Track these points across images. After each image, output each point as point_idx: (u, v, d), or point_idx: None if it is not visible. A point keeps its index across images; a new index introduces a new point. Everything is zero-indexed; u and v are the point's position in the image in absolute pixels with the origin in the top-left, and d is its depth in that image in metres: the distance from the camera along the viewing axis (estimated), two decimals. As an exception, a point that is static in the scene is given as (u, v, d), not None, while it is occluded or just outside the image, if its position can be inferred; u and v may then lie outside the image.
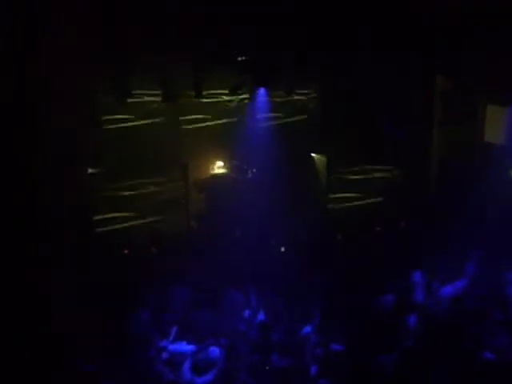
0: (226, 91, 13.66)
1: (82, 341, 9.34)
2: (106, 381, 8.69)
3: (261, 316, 10.31)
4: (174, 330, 9.65)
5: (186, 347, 9.28)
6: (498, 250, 11.70)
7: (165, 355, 9.29)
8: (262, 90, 13.61)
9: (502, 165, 13.59)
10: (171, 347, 9.41)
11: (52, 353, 9.11)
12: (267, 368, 8.16)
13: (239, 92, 13.67)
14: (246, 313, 10.34)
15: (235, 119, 13.98)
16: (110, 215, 13.04)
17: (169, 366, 8.97)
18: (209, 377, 8.64)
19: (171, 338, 9.56)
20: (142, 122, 13.17)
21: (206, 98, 13.53)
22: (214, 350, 9.12)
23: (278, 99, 14.22)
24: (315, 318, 10.14)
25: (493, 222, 12.23)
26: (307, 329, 9.97)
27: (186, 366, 8.76)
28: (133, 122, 13.07)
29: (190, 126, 13.63)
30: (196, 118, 13.71)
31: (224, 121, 13.95)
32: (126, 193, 13.29)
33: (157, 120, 13.32)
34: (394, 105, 13.74)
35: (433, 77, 14.34)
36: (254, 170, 14.05)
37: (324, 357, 9.34)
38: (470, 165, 13.90)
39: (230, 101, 13.95)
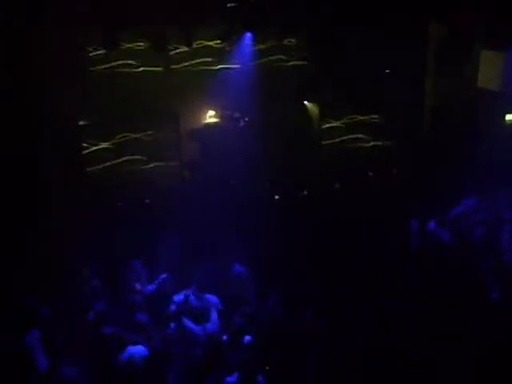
0: (216, 39, 13.52)
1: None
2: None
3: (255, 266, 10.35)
4: (163, 277, 9.68)
5: (182, 296, 9.31)
6: (491, 197, 11.80)
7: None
8: (248, 35, 13.45)
9: (496, 110, 13.55)
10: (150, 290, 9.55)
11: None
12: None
13: (229, 39, 13.53)
14: (237, 265, 10.33)
15: (225, 66, 13.85)
16: (102, 165, 13.07)
17: (170, 317, 9.01)
18: (210, 326, 8.69)
19: (157, 284, 9.60)
20: (134, 71, 13.06)
21: (196, 47, 13.42)
22: (211, 298, 9.18)
23: (269, 46, 14.11)
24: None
25: (486, 169, 12.21)
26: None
27: (189, 315, 8.76)
28: (125, 72, 13.01)
29: (181, 76, 13.52)
30: (187, 67, 13.59)
31: (214, 68, 13.83)
32: (119, 143, 13.28)
33: (148, 70, 13.22)
34: (387, 52, 13.58)
35: (426, 23, 14.14)
36: (247, 119, 13.97)
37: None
38: (464, 111, 13.83)
39: (218, 48, 13.79)
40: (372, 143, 15.20)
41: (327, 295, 9.55)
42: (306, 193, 13.34)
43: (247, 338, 8.20)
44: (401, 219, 11.51)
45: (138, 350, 8.02)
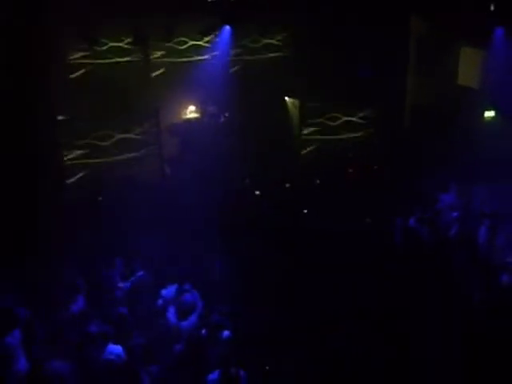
0: (196, 34, 13.48)
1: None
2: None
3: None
4: (140, 274, 9.63)
5: (166, 292, 9.27)
6: (469, 193, 11.91)
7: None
8: (229, 30, 13.35)
9: (475, 107, 13.64)
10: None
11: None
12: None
13: (210, 34, 13.49)
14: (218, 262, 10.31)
15: (205, 62, 13.82)
16: (82, 161, 12.98)
17: (155, 312, 8.95)
18: (191, 320, 8.66)
19: (133, 281, 9.55)
20: (114, 66, 12.99)
21: (178, 43, 13.37)
22: (193, 294, 9.13)
23: (251, 41, 14.09)
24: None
25: (465, 165, 12.30)
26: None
27: (171, 310, 8.74)
28: (105, 67, 12.92)
29: (161, 71, 13.47)
30: (167, 62, 13.53)
31: (195, 63, 13.78)
32: (99, 138, 13.19)
33: (128, 64, 13.14)
34: (369, 50, 13.63)
35: (407, 21, 14.20)
36: (227, 114, 13.94)
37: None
38: (444, 107, 13.90)
39: (199, 44, 13.75)
40: (353, 140, 15.24)
41: (309, 292, 9.60)
42: (287, 187, 13.37)
43: (226, 333, 8.20)
44: (381, 216, 11.58)
45: (117, 347, 7.97)
